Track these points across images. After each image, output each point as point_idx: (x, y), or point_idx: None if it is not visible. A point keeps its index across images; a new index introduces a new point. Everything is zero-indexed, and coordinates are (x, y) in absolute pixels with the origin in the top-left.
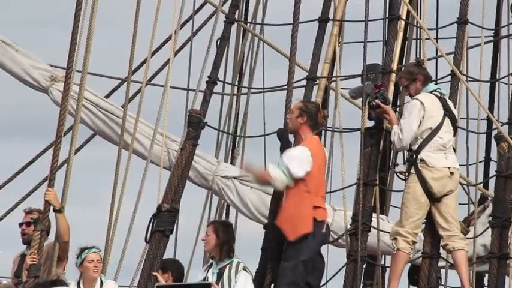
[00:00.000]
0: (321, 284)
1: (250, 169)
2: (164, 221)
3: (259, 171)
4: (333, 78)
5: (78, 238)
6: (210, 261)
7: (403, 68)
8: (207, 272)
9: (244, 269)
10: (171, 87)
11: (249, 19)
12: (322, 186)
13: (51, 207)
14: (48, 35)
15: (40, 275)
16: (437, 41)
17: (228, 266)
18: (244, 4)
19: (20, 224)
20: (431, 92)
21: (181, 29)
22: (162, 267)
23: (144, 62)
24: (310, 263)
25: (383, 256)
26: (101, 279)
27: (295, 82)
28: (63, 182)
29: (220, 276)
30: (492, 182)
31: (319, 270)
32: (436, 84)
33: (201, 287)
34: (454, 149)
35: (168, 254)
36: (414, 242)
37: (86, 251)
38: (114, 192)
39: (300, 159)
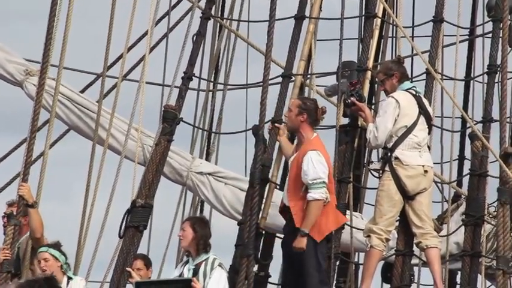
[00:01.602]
0: None
1: (307, 227)
2: (138, 217)
3: (311, 219)
4: (309, 76)
5: (51, 233)
6: (185, 258)
7: (379, 66)
8: (183, 268)
9: (220, 265)
10: (146, 82)
11: (226, 15)
12: (333, 183)
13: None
14: (26, 29)
15: (21, 271)
16: (413, 39)
17: (204, 262)
18: (221, 0)
19: (2, 216)
20: (406, 90)
21: (157, 24)
22: (146, 262)
23: (120, 57)
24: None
25: (356, 253)
26: (68, 276)
27: (271, 79)
28: (36, 177)
29: (196, 272)
30: (466, 181)
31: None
32: (412, 82)
33: (181, 283)
34: (429, 147)
35: (141, 250)
36: (387, 240)
37: (38, 250)
38: (88, 188)
39: (322, 166)
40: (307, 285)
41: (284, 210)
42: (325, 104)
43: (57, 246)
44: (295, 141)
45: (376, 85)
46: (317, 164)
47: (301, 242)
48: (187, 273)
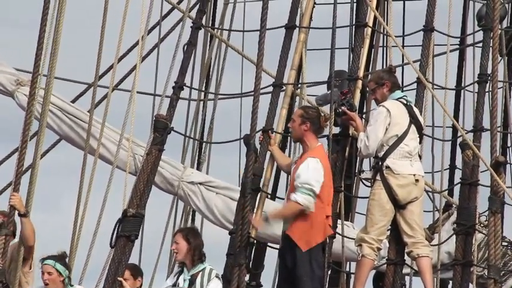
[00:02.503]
0: None
1: (274, 218)
2: (129, 226)
3: (282, 212)
4: (299, 85)
5: (42, 243)
6: (177, 268)
7: (369, 75)
8: (177, 278)
9: (217, 276)
10: (137, 92)
11: (217, 25)
12: (331, 194)
13: (16, 212)
14: (17, 39)
15: (7, 278)
16: (403, 49)
17: (200, 273)
18: (212, 10)
19: None
20: (397, 99)
21: (148, 34)
22: (133, 273)
23: (111, 67)
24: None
25: (348, 263)
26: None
27: (262, 88)
28: (27, 186)
29: (192, 283)
30: (457, 190)
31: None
32: (402, 91)
33: None
34: (420, 156)
35: (133, 259)
36: (379, 249)
37: (40, 261)
38: (79, 197)
39: (316, 174)
40: None
41: None
42: None
43: (63, 259)
44: (286, 151)
45: (367, 94)
46: (312, 171)
47: (256, 221)
48: (182, 284)
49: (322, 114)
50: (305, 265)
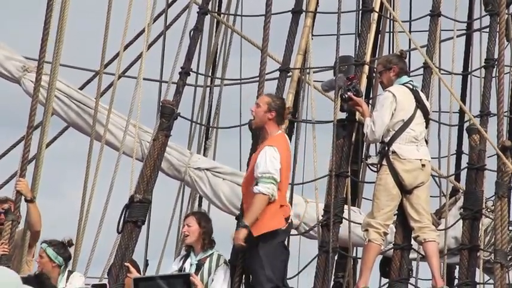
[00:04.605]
0: (293, 275)
1: (251, 221)
2: (136, 212)
3: (254, 211)
4: (306, 70)
5: (48, 229)
6: (184, 252)
7: (376, 60)
8: (183, 263)
9: (225, 262)
10: (144, 79)
11: (223, 10)
12: (286, 184)
13: (23, 198)
14: (25, 27)
15: (12, 264)
16: (410, 34)
17: (208, 259)
18: None
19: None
20: (403, 84)
21: (155, 21)
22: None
23: (118, 54)
24: (274, 257)
25: (354, 248)
26: (68, 270)
27: (268, 74)
28: (33, 172)
29: (199, 267)
30: (463, 175)
31: (285, 263)
32: (409, 76)
33: (180, 278)
34: (426, 141)
35: (139, 245)
36: (385, 234)
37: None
38: (86, 183)
39: (275, 162)
40: (254, 284)
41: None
42: (322, 99)
43: (59, 245)
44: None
45: (373, 80)
46: (270, 159)
47: (239, 233)
48: (189, 268)
49: (287, 106)
50: (256, 254)
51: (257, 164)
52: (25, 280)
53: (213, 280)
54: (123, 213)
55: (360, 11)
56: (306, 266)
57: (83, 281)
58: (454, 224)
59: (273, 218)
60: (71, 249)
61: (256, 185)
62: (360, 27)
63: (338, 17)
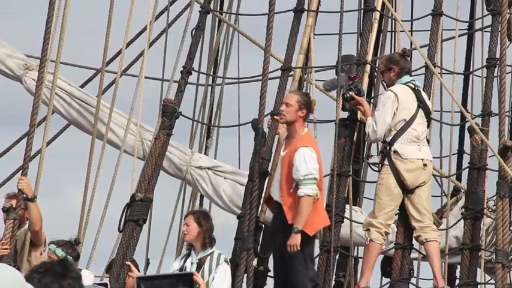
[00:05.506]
0: None
1: (302, 224)
2: (137, 211)
3: (304, 215)
4: (308, 69)
5: (49, 228)
6: (185, 251)
7: (378, 60)
8: (184, 261)
9: (226, 261)
10: (145, 77)
11: (225, 9)
12: (322, 181)
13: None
14: (27, 26)
15: (18, 263)
16: (411, 33)
17: (208, 257)
18: None
19: (3, 209)
20: (405, 84)
21: (156, 19)
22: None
23: (119, 52)
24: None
25: (356, 247)
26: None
27: (270, 73)
28: (35, 171)
29: (200, 266)
30: (465, 174)
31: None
32: (411, 76)
33: (182, 277)
34: (428, 141)
35: (141, 244)
36: (387, 233)
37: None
38: (87, 182)
39: (314, 163)
40: (296, 284)
41: (268, 200)
42: (324, 99)
43: (67, 245)
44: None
45: (375, 79)
46: (309, 160)
47: (295, 239)
48: (189, 267)
49: (313, 102)
50: (299, 253)
51: (296, 167)
52: (50, 265)
53: (213, 278)
54: (125, 212)
55: (362, 10)
56: None
57: (92, 278)
58: (456, 223)
59: (319, 215)
60: (78, 248)
61: (300, 187)
62: (361, 27)
63: (340, 16)
